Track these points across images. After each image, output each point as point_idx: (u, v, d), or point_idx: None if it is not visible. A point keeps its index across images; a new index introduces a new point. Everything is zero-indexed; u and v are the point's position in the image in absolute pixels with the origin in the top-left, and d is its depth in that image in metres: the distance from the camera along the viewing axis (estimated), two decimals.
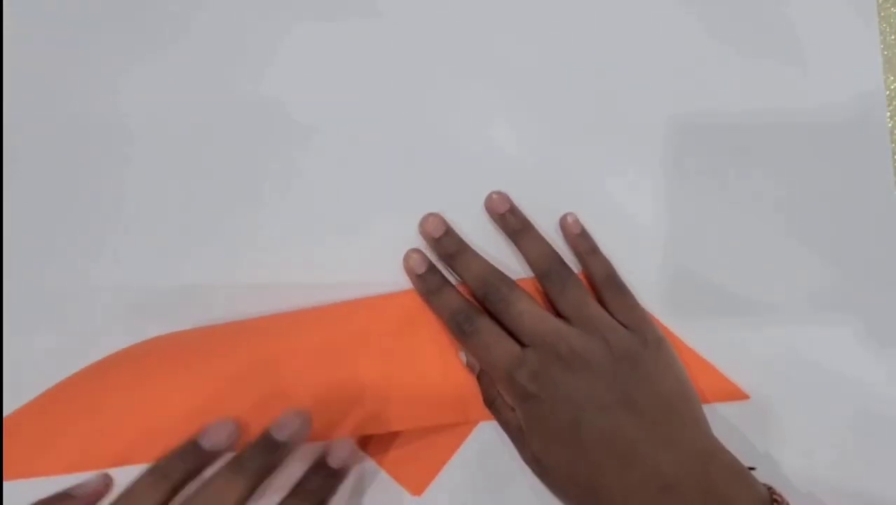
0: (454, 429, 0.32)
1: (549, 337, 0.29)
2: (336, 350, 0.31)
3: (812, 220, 0.34)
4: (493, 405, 0.31)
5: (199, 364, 0.30)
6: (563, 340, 0.29)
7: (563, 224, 0.33)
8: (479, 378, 0.32)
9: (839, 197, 0.34)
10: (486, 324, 0.30)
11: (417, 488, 0.31)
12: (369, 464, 0.32)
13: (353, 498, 0.31)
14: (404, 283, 0.33)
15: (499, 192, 0.33)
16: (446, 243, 0.32)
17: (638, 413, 0.28)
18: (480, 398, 0.31)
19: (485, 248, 0.34)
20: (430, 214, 0.33)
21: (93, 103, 0.36)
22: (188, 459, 0.25)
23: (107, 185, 0.35)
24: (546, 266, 0.32)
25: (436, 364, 0.32)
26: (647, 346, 0.30)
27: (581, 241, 0.33)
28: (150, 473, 0.25)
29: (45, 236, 0.35)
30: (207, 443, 0.26)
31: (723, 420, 0.32)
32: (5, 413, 0.33)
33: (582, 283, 0.31)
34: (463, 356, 0.32)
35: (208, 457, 0.26)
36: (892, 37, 0.35)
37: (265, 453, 0.26)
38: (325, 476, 0.28)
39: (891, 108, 0.35)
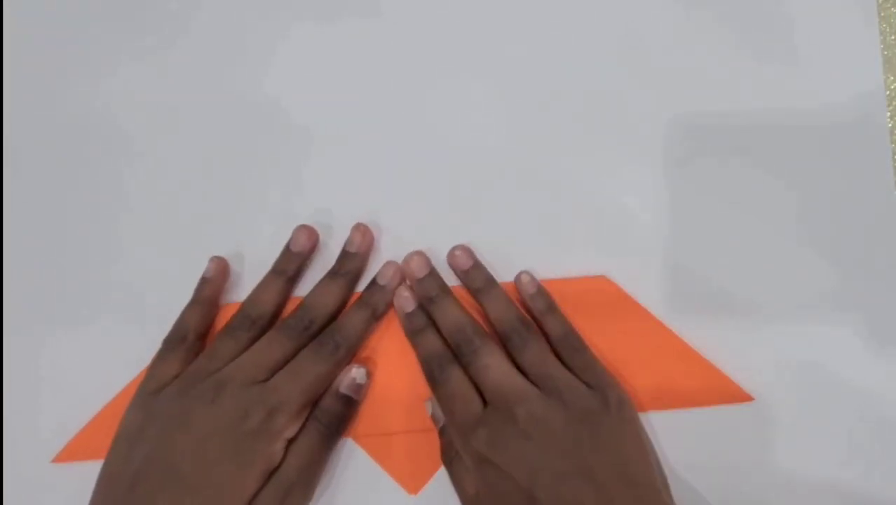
0: None
1: (510, 397, 0.28)
2: None
3: (812, 220, 0.34)
4: (450, 465, 0.30)
5: None
6: (523, 403, 0.28)
7: (518, 283, 0.32)
8: (440, 432, 0.31)
9: (839, 197, 0.34)
10: (457, 375, 0.30)
11: (414, 487, 0.31)
12: (367, 462, 0.32)
13: (351, 495, 0.32)
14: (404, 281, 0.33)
15: (462, 248, 0.33)
16: (427, 285, 0.32)
17: (596, 483, 0.26)
18: None
19: (485, 248, 0.34)
20: (416, 253, 0.33)
21: (92, 103, 0.36)
22: (292, 259, 0.32)
23: (106, 185, 0.35)
24: (507, 326, 0.31)
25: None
26: (608, 407, 0.29)
27: (537, 299, 0.32)
28: (271, 272, 0.32)
29: (45, 236, 0.35)
30: (295, 247, 0.33)
31: (723, 420, 0.32)
32: (5, 413, 0.33)
33: (543, 341, 0.31)
34: (429, 406, 0.31)
35: (300, 259, 0.33)
36: (892, 37, 0.35)
37: (377, 292, 0.32)
38: (377, 290, 0.32)
39: (891, 108, 0.35)
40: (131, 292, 0.34)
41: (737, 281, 0.33)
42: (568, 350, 0.31)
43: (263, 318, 0.31)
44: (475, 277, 0.32)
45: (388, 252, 0.34)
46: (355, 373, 0.30)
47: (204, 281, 0.33)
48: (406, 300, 0.32)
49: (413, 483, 0.31)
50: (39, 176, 0.36)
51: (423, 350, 0.31)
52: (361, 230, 0.33)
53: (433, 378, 0.30)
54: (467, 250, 0.33)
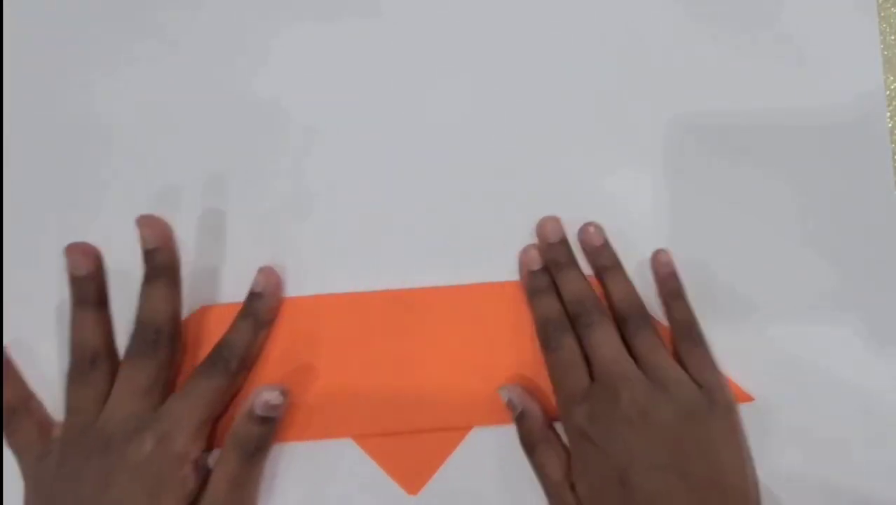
0: (451, 431, 0.32)
1: (616, 379, 0.28)
2: (353, 341, 0.32)
3: (812, 220, 0.34)
4: (532, 451, 0.30)
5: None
6: (629, 387, 0.28)
7: (655, 262, 0.32)
8: (517, 420, 0.30)
9: (839, 197, 0.34)
10: (570, 344, 0.30)
11: (413, 488, 0.31)
12: (367, 462, 0.32)
13: (350, 495, 0.32)
14: (402, 281, 0.33)
15: (594, 225, 0.33)
16: (558, 251, 0.32)
17: (690, 481, 0.26)
18: (479, 403, 0.31)
19: (484, 246, 0.34)
20: (550, 218, 0.33)
21: (92, 103, 0.36)
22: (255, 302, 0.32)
23: (105, 185, 0.35)
24: (627, 308, 0.31)
25: (440, 366, 0.32)
26: (714, 409, 0.28)
27: (670, 281, 0.32)
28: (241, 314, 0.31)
29: (45, 236, 0.35)
30: (256, 288, 0.32)
31: None
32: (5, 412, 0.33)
33: (658, 332, 0.31)
34: (504, 394, 0.31)
35: (269, 300, 0.32)
36: (892, 37, 0.35)
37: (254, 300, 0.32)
38: (253, 298, 0.31)
39: (891, 108, 0.35)
40: (131, 293, 0.34)
41: (736, 281, 0.33)
42: (687, 341, 0.31)
43: (100, 356, 0.30)
44: (604, 255, 0.32)
45: (388, 251, 0.34)
46: (267, 396, 0.29)
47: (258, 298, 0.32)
48: (533, 258, 0.32)
49: (413, 484, 0.31)
50: (38, 176, 0.36)
51: (541, 311, 0.31)
52: (147, 222, 0.32)
53: (548, 342, 0.30)
54: (599, 228, 0.33)
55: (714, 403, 0.29)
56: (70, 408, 0.29)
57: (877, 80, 0.35)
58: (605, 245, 0.33)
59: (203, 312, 0.33)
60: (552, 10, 0.36)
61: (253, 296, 0.32)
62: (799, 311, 0.33)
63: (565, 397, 0.29)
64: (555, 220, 0.33)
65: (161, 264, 0.31)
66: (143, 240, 0.31)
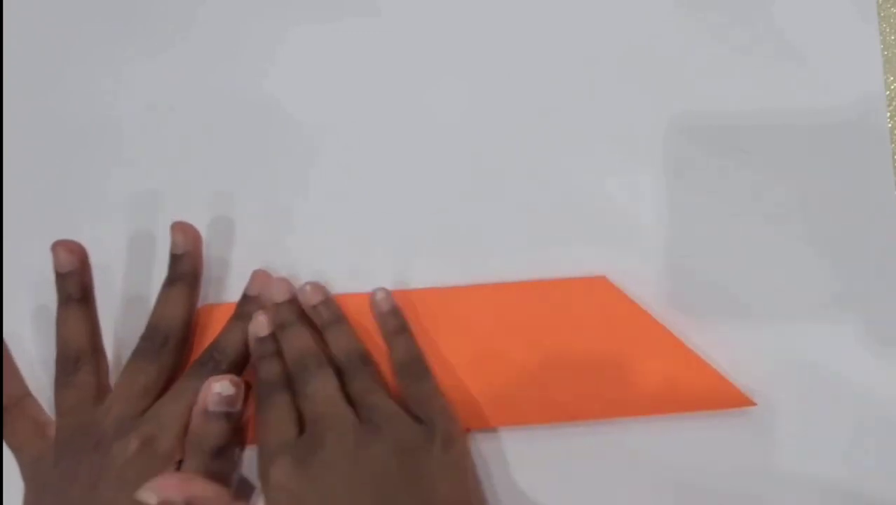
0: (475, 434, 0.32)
1: (324, 425, 0.27)
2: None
3: (812, 221, 0.34)
4: None
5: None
6: (337, 431, 0.27)
7: (373, 301, 0.32)
8: None
9: (839, 197, 0.34)
10: (280, 402, 0.29)
11: None
12: None
13: None
14: (401, 280, 0.33)
15: (313, 284, 0.32)
16: (283, 311, 0.31)
17: None
18: (496, 404, 0.31)
19: (483, 248, 0.34)
20: (277, 279, 0.32)
21: (92, 103, 0.36)
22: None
23: (105, 185, 0.35)
24: (344, 358, 0.30)
25: (458, 368, 0.32)
26: (432, 441, 0.27)
27: (389, 319, 0.31)
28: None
29: (45, 236, 0.35)
30: (250, 291, 0.32)
31: (722, 421, 0.32)
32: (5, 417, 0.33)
33: (376, 375, 0.30)
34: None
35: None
36: (892, 37, 0.35)
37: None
38: (212, 420, 0.28)
39: (891, 108, 0.35)
40: (131, 293, 0.34)
41: (736, 281, 0.33)
42: (408, 377, 0.30)
43: (85, 354, 0.30)
44: (321, 312, 0.31)
45: (387, 249, 0.34)
46: (218, 388, 0.28)
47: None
48: (259, 325, 0.30)
49: None
50: (38, 176, 0.36)
51: (260, 377, 0.30)
52: (181, 228, 0.32)
53: (259, 404, 0.29)
54: (318, 287, 0.32)
55: (432, 435, 0.28)
56: (59, 410, 0.29)
57: (877, 80, 0.35)
58: (324, 303, 0.31)
59: (206, 310, 0.33)
60: (552, 9, 0.36)
61: (246, 298, 0.32)
62: (799, 311, 0.33)
63: (266, 454, 0.27)
64: (281, 281, 0.31)
65: (184, 270, 0.31)
66: (174, 244, 0.32)
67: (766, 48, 0.35)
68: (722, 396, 0.31)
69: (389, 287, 0.33)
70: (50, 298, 0.34)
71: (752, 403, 0.31)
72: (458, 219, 0.34)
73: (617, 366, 0.31)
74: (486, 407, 0.31)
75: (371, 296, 0.32)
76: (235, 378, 0.29)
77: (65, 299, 0.30)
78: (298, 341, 0.30)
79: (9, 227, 0.35)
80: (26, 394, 0.31)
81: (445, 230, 0.34)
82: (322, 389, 0.29)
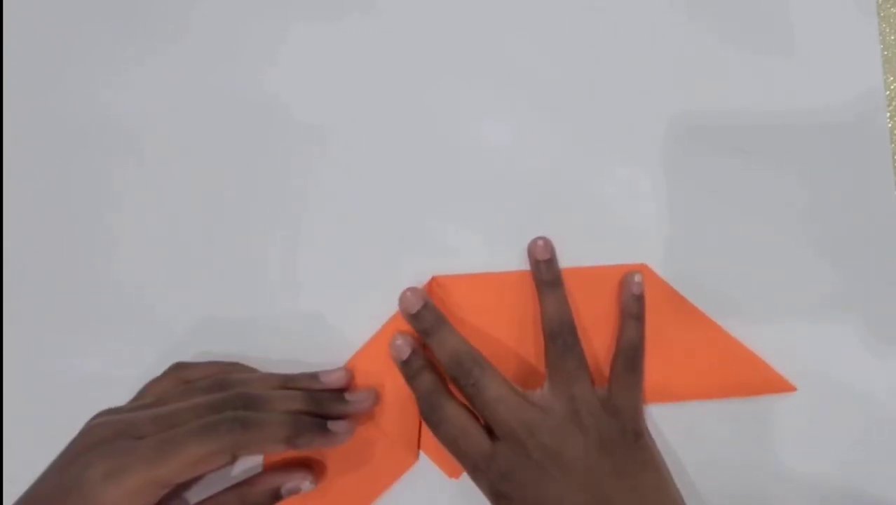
0: None
1: (520, 431, 0.28)
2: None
3: (812, 221, 0.34)
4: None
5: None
6: (534, 434, 0.28)
7: (627, 281, 0.32)
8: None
9: (839, 197, 0.34)
10: (454, 412, 0.29)
11: (455, 472, 0.32)
12: None
13: None
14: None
15: (545, 240, 0.32)
16: (423, 318, 0.31)
17: None
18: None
19: (481, 247, 0.34)
20: (408, 289, 0.31)
21: (93, 103, 0.36)
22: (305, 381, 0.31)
23: (104, 185, 0.35)
24: (556, 327, 0.30)
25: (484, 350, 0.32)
26: (625, 438, 0.28)
27: (634, 303, 0.31)
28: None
29: (44, 236, 0.35)
30: (325, 379, 0.31)
31: (724, 420, 0.32)
32: (5, 414, 0.33)
33: (584, 358, 0.30)
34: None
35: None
36: (892, 37, 0.35)
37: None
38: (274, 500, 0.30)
39: (891, 108, 0.35)
40: (129, 292, 0.34)
41: (736, 282, 0.33)
42: (624, 363, 0.31)
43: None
44: (546, 270, 0.32)
45: (387, 248, 0.34)
46: (307, 486, 0.30)
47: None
48: (400, 349, 0.31)
49: (454, 467, 0.31)
50: (38, 176, 0.36)
51: (418, 391, 0.30)
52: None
53: (429, 421, 0.30)
54: (549, 244, 0.32)
55: (625, 431, 0.29)
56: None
57: (877, 80, 0.35)
58: (551, 261, 0.32)
59: (438, 281, 0.33)
60: (553, 8, 0.36)
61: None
62: (799, 311, 0.33)
63: (472, 465, 0.28)
64: (413, 291, 0.31)
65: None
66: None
67: (766, 48, 0.35)
68: (763, 382, 0.32)
69: (389, 285, 0.33)
70: (50, 297, 0.34)
71: (793, 388, 0.31)
72: (458, 216, 0.34)
73: (659, 352, 0.32)
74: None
75: (627, 277, 0.32)
76: (314, 479, 0.30)
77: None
78: (449, 342, 0.30)
79: (9, 228, 0.35)
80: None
81: (445, 227, 0.34)
82: (499, 396, 0.29)
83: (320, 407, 0.29)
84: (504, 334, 0.32)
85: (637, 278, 0.32)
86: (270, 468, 0.31)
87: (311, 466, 0.31)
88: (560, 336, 0.30)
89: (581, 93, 0.35)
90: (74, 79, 0.36)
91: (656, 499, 0.28)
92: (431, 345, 0.31)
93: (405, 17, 0.36)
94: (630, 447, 0.28)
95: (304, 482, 0.30)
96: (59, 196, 0.35)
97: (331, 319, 0.33)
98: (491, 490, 0.28)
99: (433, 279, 0.33)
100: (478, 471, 0.28)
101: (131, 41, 0.37)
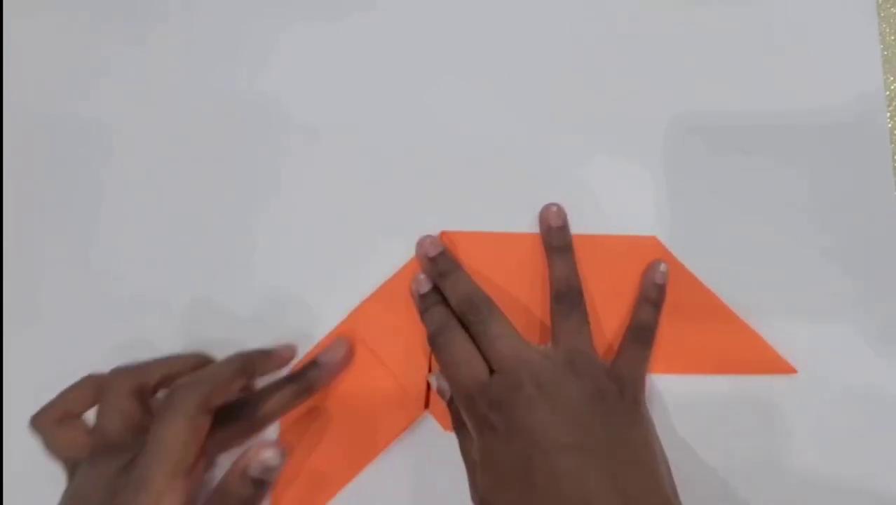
0: None
1: (517, 365, 0.28)
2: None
3: (812, 221, 0.34)
4: (459, 431, 0.30)
5: None
6: (531, 370, 0.28)
7: (653, 269, 0.32)
8: (449, 403, 0.31)
9: (839, 197, 0.34)
10: (460, 340, 0.30)
11: (450, 424, 0.32)
12: None
13: None
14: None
15: (558, 206, 0.33)
16: (440, 263, 0.32)
17: (598, 457, 0.26)
18: None
19: None
20: (427, 236, 0.33)
21: (91, 102, 0.36)
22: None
23: (103, 184, 0.35)
24: (563, 288, 0.31)
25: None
26: (623, 397, 0.28)
27: (654, 291, 0.32)
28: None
29: (44, 235, 0.35)
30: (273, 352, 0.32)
31: (725, 420, 0.32)
32: (5, 416, 0.33)
33: (588, 320, 0.31)
34: (433, 380, 0.31)
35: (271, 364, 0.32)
36: (892, 37, 0.35)
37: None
38: (248, 484, 0.26)
39: (891, 108, 0.35)
40: (127, 291, 0.34)
41: (736, 281, 0.33)
42: (633, 338, 0.31)
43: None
44: (557, 236, 0.32)
45: (388, 246, 0.34)
46: (266, 455, 0.26)
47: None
48: (421, 283, 0.32)
49: (450, 420, 0.31)
50: (37, 175, 0.36)
51: (429, 324, 0.31)
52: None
53: (435, 344, 0.30)
54: (562, 210, 0.33)
55: (623, 393, 0.28)
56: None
57: (877, 80, 0.35)
58: (563, 227, 0.33)
59: (448, 236, 0.34)
60: (553, 8, 0.36)
61: (311, 364, 0.31)
62: (799, 311, 0.33)
63: (464, 391, 0.29)
64: (431, 238, 0.33)
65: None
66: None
67: (766, 48, 0.35)
68: (764, 362, 0.32)
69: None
70: (50, 297, 0.34)
71: (794, 371, 0.32)
72: (458, 215, 0.34)
73: (663, 323, 0.32)
74: None
75: (653, 266, 0.32)
76: (283, 449, 0.27)
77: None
78: (461, 286, 0.31)
79: (9, 228, 0.35)
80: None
81: (444, 229, 0.34)
82: (502, 333, 0.29)
83: (306, 384, 0.30)
84: (507, 292, 0.33)
85: (662, 268, 0.32)
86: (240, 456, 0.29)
87: (320, 416, 0.32)
88: (566, 297, 0.31)
89: (581, 92, 0.35)
90: (74, 78, 0.36)
91: (645, 453, 0.27)
92: (445, 287, 0.31)
93: (402, 14, 0.36)
94: (626, 405, 0.28)
95: (262, 455, 0.26)
96: (56, 195, 0.35)
97: (328, 319, 0.33)
98: (477, 420, 0.28)
99: (442, 233, 0.34)
100: (470, 400, 0.28)
101: (131, 40, 0.37)
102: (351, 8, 0.37)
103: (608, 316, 0.32)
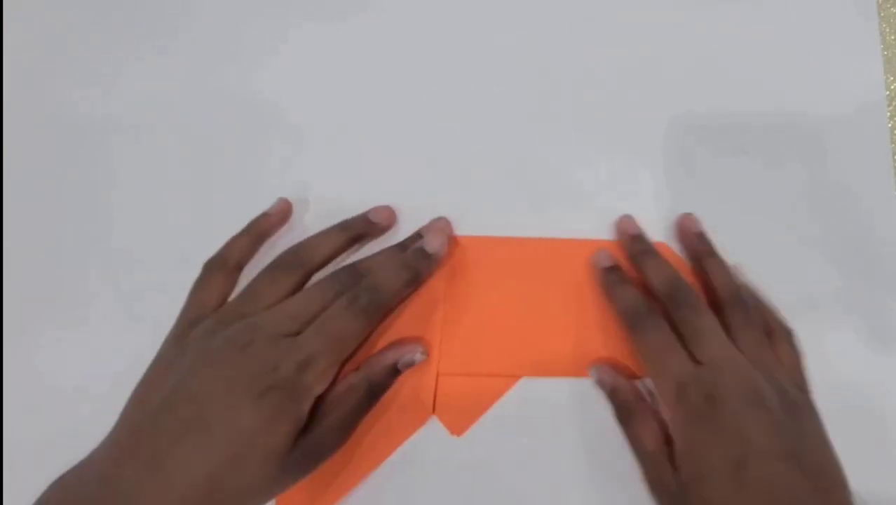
0: (499, 379, 0.32)
1: (728, 364, 0.28)
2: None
3: (812, 221, 0.34)
4: (630, 418, 0.30)
5: None
6: (742, 373, 0.27)
7: (682, 224, 0.33)
8: (611, 396, 0.31)
9: (839, 197, 0.34)
10: (664, 326, 0.29)
11: (459, 429, 0.32)
12: None
13: None
14: None
15: (628, 217, 0.33)
16: (641, 243, 0.32)
17: (804, 470, 0.26)
18: (529, 353, 0.32)
19: None
20: (625, 216, 0.33)
21: (91, 102, 0.36)
22: (366, 225, 0.33)
23: (103, 183, 0.35)
24: (734, 295, 0.30)
25: (495, 314, 0.32)
26: (806, 405, 0.29)
27: (700, 242, 0.33)
28: (338, 226, 0.32)
29: (44, 235, 0.35)
30: (374, 217, 0.33)
31: None
32: (5, 416, 0.33)
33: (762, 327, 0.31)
34: (594, 374, 0.31)
35: (374, 229, 0.33)
36: (892, 37, 0.35)
37: (422, 258, 0.31)
38: (422, 256, 0.31)
39: (891, 108, 0.35)
40: (128, 291, 0.34)
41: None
42: (787, 345, 0.31)
43: (312, 267, 0.31)
44: (699, 245, 0.33)
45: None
46: (419, 357, 0.31)
47: (263, 215, 0.33)
48: (603, 256, 0.32)
49: (458, 425, 0.32)
50: (36, 175, 0.35)
51: (623, 301, 0.31)
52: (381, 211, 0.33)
53: (637, 324, 0.30)
54: (695, 219, 0.33)
55: (807, 400, 0.29)
56: (248, 291, 0.30)
57: (877, 80, 0.35)
58: (639, 236, 0.33)
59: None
60: (553, 8, 0.36)
61: (420, 252, 0.31)
62: (798, 311, 0.33)
63: (671, 377, 0.28)
64: (629, 218, 0.33)
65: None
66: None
67: (766, 48, 0.35)
68: None
69: None
70: (49, 297, 0.34)
71: None
72: (457, 215, 0.34)
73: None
74: (542, 356, 0.32)
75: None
76: (424, 349, 0.31)
77: (346, 228, 0.32)
78: (667, 269, 0.31)
79: (9, 228, 0.35)
80: (237, 268, 0.31)
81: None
82: (713, 328, 0.29)
83: (417, 272, 0.31)
84: (513, 295, 0.33)
85: (682, 220, 0.33)
86: (385, 347, 0.32)
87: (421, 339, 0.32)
88: (742, 306, 0.30)
89: (581, 92, 0.35)
90: (73, 78, 0.36)
91: (835, 472, 0.27)
92: (648, 266, 0.31)
93: (404, 16, 0.36)
94: (812, 416, 0.28)
95: (416, 354, 0.31)
96: (56, 194, 0.35)
97: None
98: (688, 409, 0.27)
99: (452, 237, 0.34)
100: (682, 387, 0.28)
101: (131, 40, 0.37)
102: (349, 9, 0.37)
103: (586, 321, 0.32)
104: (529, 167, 0.35)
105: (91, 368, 0.33)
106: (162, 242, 0.35)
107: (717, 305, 0.30)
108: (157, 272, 0.34)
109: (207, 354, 0.27)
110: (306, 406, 0.27)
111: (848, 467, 0.31)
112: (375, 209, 0.33)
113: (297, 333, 0.28)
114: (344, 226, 0.32)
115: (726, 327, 0.29)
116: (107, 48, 0.37)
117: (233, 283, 0.31)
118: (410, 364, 0.30)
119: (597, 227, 0.34)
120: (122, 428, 0.27)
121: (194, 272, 0.33)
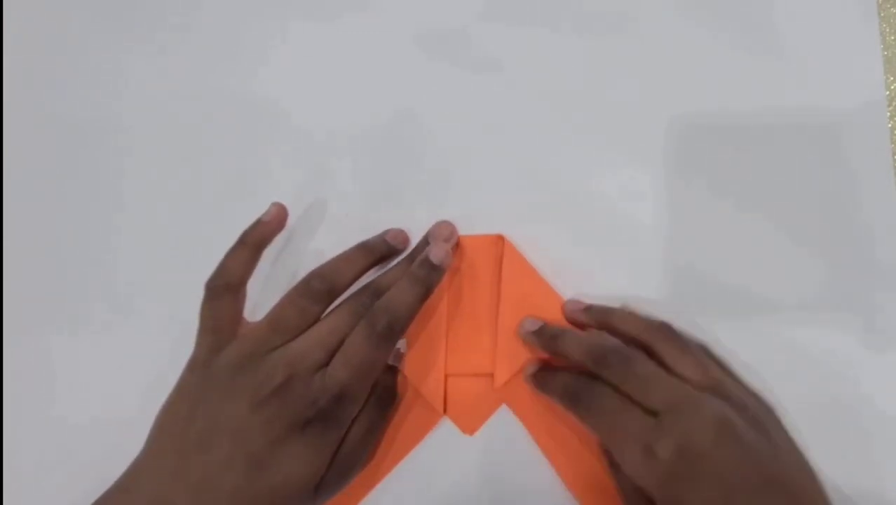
0: (510, 379, 0.32)
1: (685, 404, 0.26)
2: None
3: (812, 221, 0.34)
4: (615, 472, 0.29)
5: None
6: (700, 408, 0.26)
7: (569, 307, 0.32)
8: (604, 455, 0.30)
9: (839, 197, 0.34)
10: (605, 390, 0.28)
11: (470, 428, 0.32)
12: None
13: None
14: None
15: (570, 300, 0.32)
16: (547, 330, 0.31)
17: (788, 493, 0.25)
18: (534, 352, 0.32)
19: None
20: (526, 318, 0.32)
21: (90, 102, 0.36)
22: (387, 248, 0.33)
23: (103, 183, 0.35)
24: (654, 331, 0.29)
25: (492, 319, 0.32)
26: (769, 414, 0.28)
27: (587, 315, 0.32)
28: (359, 249, 0.32)
29: (44, 235, 0.35)
30: (392, 241, 0.33)
31: None
32: (5, 416, 0.33)
33: (700, 349, 0.30)
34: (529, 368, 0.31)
35: (393, 252, 0.33)
36: (892, 37, 0.35)
37: (431, 270, 0.30)
38: (429, 268, 0.30)
39: (891, 108, 0.35)
40: (129, 290, 0.34)
41: (734, 280, 0.33)
42: (711, 360, 0.30)
43: (338, 294, 0.30)
44: (592, 312, 0.32)
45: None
46: (401, 347, 0.31)
47: (258, 223, 0.32)
48: (531, 322, 0.31)
49: (470, 424, 0.32)
50: (37, 174, 0.36)
51: (554, 387, 0.30)
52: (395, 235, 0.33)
53: (578, 401, 0.28)
54: (575, 301, 0.32)
55: (767, 406, 0.29)
56: (272, 320, 0.29)
57: (877, 80, 0.35)
58: (588, 308, 0.32)
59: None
60: (552, 9, 0.36)
61: (428, 263, 0.30)
62: (798, 311, 0.33)
63: (634, 441, 0.26)
64: (530, 320, 0.32)
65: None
66: (529, 326, 0.31)
67: (766, 48, 0.35)
68: None
69: None
70: (49, 297, 0.34)
71: None
72: (457, 215, 0.34)
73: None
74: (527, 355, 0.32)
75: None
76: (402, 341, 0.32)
77: (369, 250, 0.32)
78: (585, 342, 0.30)
79: (9, 228, 0.35)
80: (242, 284, 0.31)
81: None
82: (654, 371, 0.27)
83: (427, 283, 0.30)
84: (514, 295, 0.32)
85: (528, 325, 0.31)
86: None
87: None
88: (669, 340, 0.29)
89: (581, 92, 0.35)
90: (74, 77, 0.36)
91: (808, 476, 0.27)
92: (566, 347, 0.30)
93: (403, 16, 0.36)
94: (776, 425, 0.28)
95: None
96: (56, 194, 0.35)
97: None
98: (663, 472, 0.25)
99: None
100: (648, 448, 0.26)
101: (131, 40, 0.37)
102: (348, 9, 0.37)
103: (475, 318, 0.32)
104: (528, 165, 0.35)
105: (91, 368, 0.33)
106: (162, 242, 0.35)
107: (645, 350, 0.29)
108: (157, 272, 0.34)
109: (245, 392, 0.27)
110: (344, 432, 0.28)
111: (843, 467, 0.31)
112: (392, 233, 0.33)
113: (328, 363, 0.28)
114: (365, 249, 0.32)
115: (664, 365, 0.28)
116: (107, 48, 0.37)
117: (242, 300, 0.31)
118: (398, 356, 0.31)
119: (597, 227, 0.34)
120: (163, 454, 0.27)
121: (194, 272, 0.33)
